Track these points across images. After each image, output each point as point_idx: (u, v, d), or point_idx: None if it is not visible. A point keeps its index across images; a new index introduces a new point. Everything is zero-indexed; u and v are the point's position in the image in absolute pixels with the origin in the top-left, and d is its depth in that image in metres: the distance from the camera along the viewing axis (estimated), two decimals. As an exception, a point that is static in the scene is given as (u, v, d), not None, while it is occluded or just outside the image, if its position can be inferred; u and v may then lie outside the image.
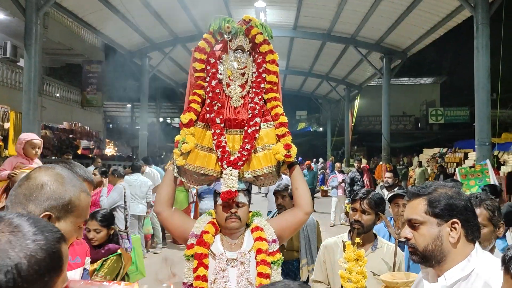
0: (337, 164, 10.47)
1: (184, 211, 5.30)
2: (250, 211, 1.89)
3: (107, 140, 19.67)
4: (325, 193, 13.73)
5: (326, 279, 2.15)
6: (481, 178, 5.44)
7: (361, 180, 8.73)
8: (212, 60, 1.93)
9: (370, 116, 24.64)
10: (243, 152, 1.84)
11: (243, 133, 1.88)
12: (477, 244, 1.22)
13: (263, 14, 9.83)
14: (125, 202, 4.96)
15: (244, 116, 1.88)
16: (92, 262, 2.13)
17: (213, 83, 1.90)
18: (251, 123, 1.87)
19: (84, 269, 1.51)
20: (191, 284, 1.74)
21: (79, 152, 14.70)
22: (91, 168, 7.17)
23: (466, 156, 12.83)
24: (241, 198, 1.80)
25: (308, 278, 3.01)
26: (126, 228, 4.83)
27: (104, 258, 2.26)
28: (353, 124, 17.06)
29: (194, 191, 6.63)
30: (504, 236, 2.49)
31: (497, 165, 9.84)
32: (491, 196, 2.12)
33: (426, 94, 26.23)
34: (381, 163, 12.29)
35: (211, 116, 1.88)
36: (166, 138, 18.35)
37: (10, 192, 1.05)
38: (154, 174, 7.23)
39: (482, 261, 1.19)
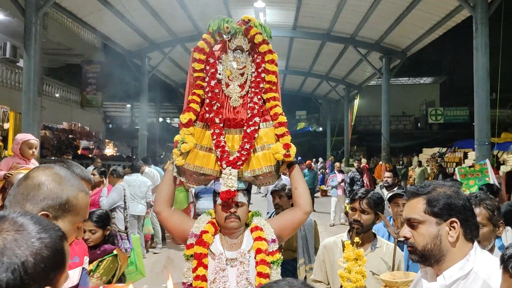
0: (337, 164, 10.47)
1: (184, 211, 5.30)
2: (249, 211, 1.89)
3: (106, 140, 19.67)
4: (324, 193, 13.74)
5: (325, 278, 2.16)
6: (480, 177, 5.45)
7: (360, 180, 8.74)
8: (211, 60, 1.93)
9: (369, 116, 24.66)
10: (242, 152, 1.84)
11: (242, 133, 1.88)
12: (475, 243, 1.23)
13: (262, 14, 9.84)
14: (124, 202, 4.95)
15: (243, 116, 1.89)
16: (88, 263, 2.12)
17: (212, 83, 1.90)
18: (250, 122, 1.87)
19: (83, 268, 1.51)
20: (191, 284, 1.74)
21: (79, 152, 14.70)
22: (91, 168, 7.17)
23: (465, 156, 12.84)
24: (241, 197, 1.80)
25: (305, 278, 3.01)
26: (126, 228, 4.82)
27: (100, 259, 2.25)
28: (352, 124, 17.07)
29: (194, 190, 6.63)
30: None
31: (497, 164, 9.85)
32: (491, 196, 2.13)
33: (426, 94, 26.24)
34: (380, 162, 12.30)
35: (210, 116, 1.88)
36: (166, 138, 18.36)
37: (9, 191, 1.05)
38: (154, 174, 7.23)
39: (481, 260, 1.19)
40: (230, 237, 1.81)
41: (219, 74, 1.93)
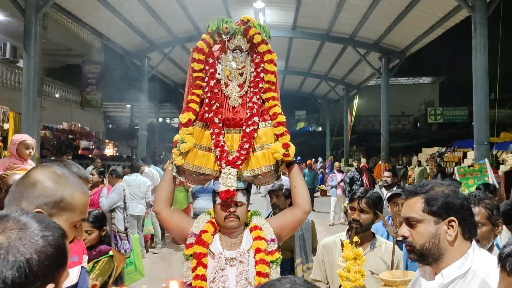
0: (336, 164, 10.49)
1: (183, 211, 5.30)
2: (249, 211, 1.89)
3: (106, 141, 19.67)
4: (324, 193, 13.74)
5: (324, 278, 2.16)
6: (479, 177, 5.45)
7: (360, 179, 8.75)
8: (211, 60, 1.94)
9: (369, 116, 24.68)
10: (241, 151, 1.85)
11: (242, 133, 1.89)
12: (474, 242, 1.23)
13: (262, 15, 9.85)
14: (124, 202, 4.94)
15: (242, 115, 1.89)
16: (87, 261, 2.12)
17: (212, 83, 1.91)
18: (250, 122, 1.87)
19: (82, 267, 1.51)
20: (190, 284, 1.74)
21: (79, 152, 14.70)
22: (90, 168, 7.17)
23: (465, 156, 12.86)
24: (240, 197, 1.80)
25: (302, 277, 3.02)
26: (126, 229, 4.82)
27: (95, 260, 2.25)
28: (352, 124, 17.08)
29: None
30: None
31: (496, 164, 9.86)
32: (490, 195, 2.13)
33: (425, 94, 26.27)
34: (380, 162, 12.31)
35: (210, 115, 1.88)
36: (166, 138, 18.35)
37: (9, 190, 1.07)
38: (154, 174, 7.23)
39: (479, 259, 1.19)
40: (230, 236, 1.81)
41: (218, 74, 1.93)
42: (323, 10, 9.80)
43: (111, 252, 2.34)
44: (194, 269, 1.73)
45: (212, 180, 1.97)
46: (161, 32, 10.94)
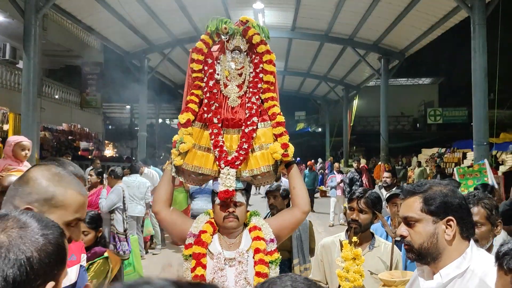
0: (336, 164, 10.49)
1: (183, 212, 5.29)
2: (248, 211, 1.90)
3: (106, 142, 19.66)
4: (324, 194, 13.74)
5: (324, 278, 2.16)
6: (479, 177, 5.45)
7: (360, 180, 8.75)
8: (210, 61, 1.94)
9: (368, 117, 24.70)
10: (240, 152, 1.85)
11: (241, 133, 1.89)
12: (472, 241, 1.23)
13: (261, 16, 9.86)
14: (123, 203, 4.93)
15: (241, 115, 1.90)
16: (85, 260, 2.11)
17: (211, 83, 1.91)
18: (248, 122, 1.88)
19: (81, 266, 1.51)
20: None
21: (79, 153, 14.69)
22: (89, 169, 7.17)
23: (464, 156, 12.87)
24: (239, 197, 1.80)
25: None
26: (125, 230, 4.80)
27: (90, 262, 2.24)
28: (351, 125, 17.08)
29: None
30: None
31: (496, 165, 9.87)
32: (489, 195, 2.14)
33: (425, 95, 26.30)
34: (379, 163, 12.31)
35: (209, 116, 1.89)
36: (166, 139, 18.34)
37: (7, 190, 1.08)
38: (153, 175, 7.23)
39: (478, 259, 1.20)
40: (229, 236, 1.81)
41: (217, 74, 1.94)
42: (322, 11, 9.81)
43: (106, 254, 2.33)
44: (193, 270, 1.73)
45: (210, 181, 1.97)
46: (161, 33, 10.95)
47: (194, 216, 2.02)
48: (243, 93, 1.93)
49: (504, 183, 6.34)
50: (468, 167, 5.89)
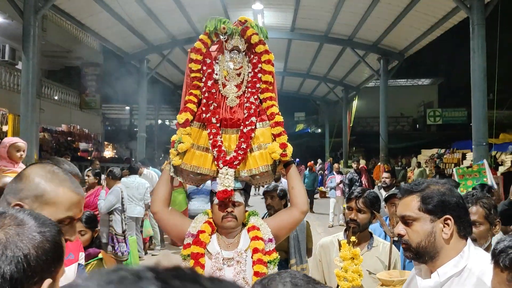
0: (335, 165, 10.49)
1: (183, 213, 5.29)
2: (246, 211, 1.90)
3: (105, 143, 19.65)
4: (323, 194, 13.73)
5: (322, 278, 2.16)
6: (478, 178, 5.45)
7: (359, 181, 8.75)
8: (208, 61, 1.94)
9: (368, 117, 24.68)
10: (239, 152, 1.85)
11: (239, 133, 1.90)
12: (469, 240, 1.23)
13: (260, 16, 9.88)
14: (122, 204, 4.92)
15: (240, 115, 1.90)
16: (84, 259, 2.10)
17: (209, 83, 1.92)
18: (247, 122, 1.88)
19: (79, 264, 1.52)
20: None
21: (78, 154, 14.68)
22: (87, 170, 7.16)
23: (464, 157, 12.87)
24: (237, 197, 1.81)
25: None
26: (124, 231, 4.80)
27: (84, 263, 2.23)
28: (351, 125, 17.07)
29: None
30: None
31: (495, 165, 9.88)
32: (487, 194, 2.14)
33: (424, 95, 26.30)
34: (379, 164, 12.32)
35: (207, 116, 1.89)
36: (165, 140, 18.30)
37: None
38: (152, 176, 7.23)
39: (475, 257, 1.20)
40: (227, 236, 1.82)
41: (216, 74, 1.94)
42: (321, 11, 9.83)
43: (100, 255, 2.32)
44: (191, 269, 1.73)
45: (207, 181, 1.97)
46: (160, 34, 10.96)
47: (191, 217, 2.02)
48: (242, 93, 1.93)
49: (503, 183, 6.35)
50: (467, 167, 5.89)
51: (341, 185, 9.19)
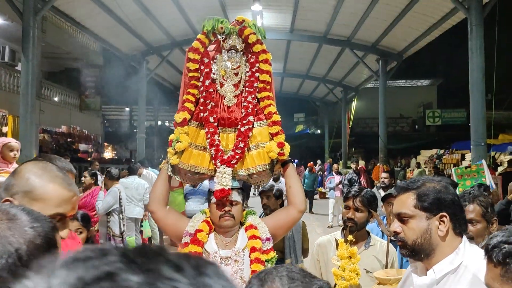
0: (335, 166, 10.49)
1: (182, 213, 5.29)
2: (244, 210, 1.90)
3: (105, 144, 19.65)
4: (323, 195, 13.73)
5: (319, 277, 2.16)
6: (477, 178, 5.46)
7: (358, 181, 8.76)
8: (206, 60, 1.95)
9: (367, 118, 24.69)
10: (236, 151, 1.86)
11: (237, 132, 1.90)
12: (464, 237, 1.24)
13: (259, 18, 9.89)
14: (120, 205, 4.91)
15: (237, 115, 1.91)
16: None
17: (207, 82, 1.93)
18: (244, 121, 1.89)
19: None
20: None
21: (78, 155, 14.68)
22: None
23: (463, 157, 12.88)
24: (235, 196, 1.81)
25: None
26: (122, 232, 4.78)
27: None
28: (350, 126, 17.08)
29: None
30: None
31: (494, 166, 9.88)
32: (484, 193, 2.15)
33: (423, 96, 26.33)
34: (378, 164, 12.32)
35: (205, 115, 1.90)
36: (165, 141, 18.30)
37: None
38: (152, 177, 7.22)
39: (470, 254, 1.20)
40: (225, 235, 1.82)
41: (214, 73, 1.95)
42: (320, 12, 9.85)
43: None
44: (189, 268, 1.73)
45: (203, 182, 1.98)
46: (159, 35, 10.98)
47: (187, 217, 2.02)
48: (239, 92, 1.94)
49: (502, 183, 6.35)
50: (466, 167, 5.90)
51: (340, 186, 9.20)
